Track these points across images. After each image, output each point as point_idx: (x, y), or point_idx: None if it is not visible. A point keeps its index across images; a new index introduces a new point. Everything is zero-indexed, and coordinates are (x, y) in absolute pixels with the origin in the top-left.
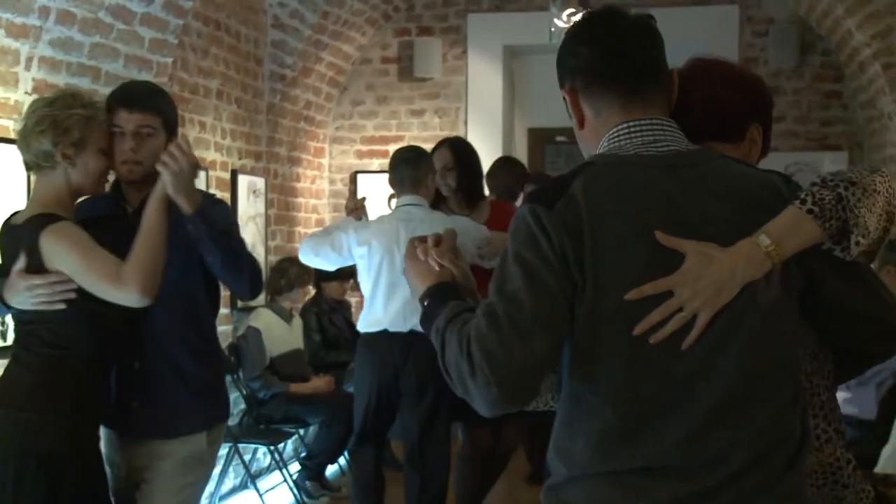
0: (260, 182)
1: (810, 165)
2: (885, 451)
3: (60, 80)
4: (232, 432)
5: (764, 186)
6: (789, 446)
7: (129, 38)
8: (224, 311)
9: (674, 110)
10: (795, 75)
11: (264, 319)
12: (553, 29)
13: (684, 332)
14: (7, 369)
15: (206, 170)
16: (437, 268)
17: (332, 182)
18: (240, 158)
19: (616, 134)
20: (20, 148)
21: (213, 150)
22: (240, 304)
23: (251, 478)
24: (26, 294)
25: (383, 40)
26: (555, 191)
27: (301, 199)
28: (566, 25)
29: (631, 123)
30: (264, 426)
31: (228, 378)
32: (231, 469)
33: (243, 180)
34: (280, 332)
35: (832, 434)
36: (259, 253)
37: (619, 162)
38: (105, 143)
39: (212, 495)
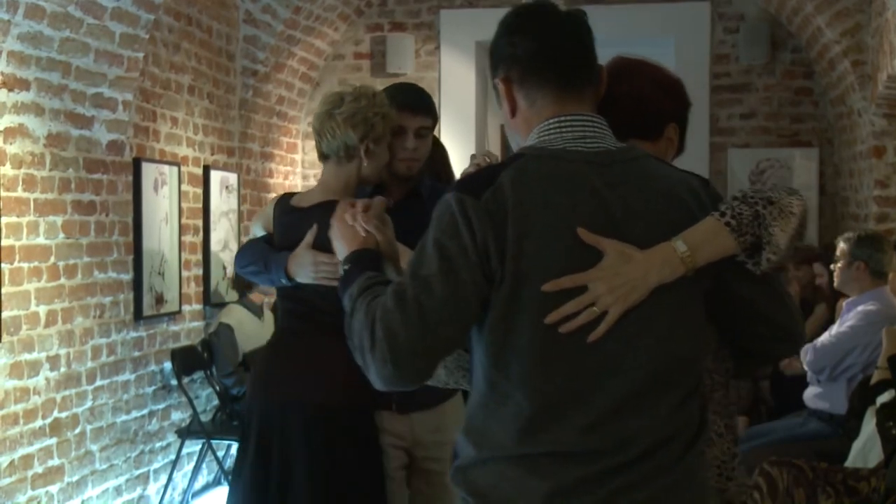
0: (232, 178)
1: (781, 161)
2: (856, 446)
3: (30, 74)
4: (205, 429)
5: (685, 188)
6: (688, 433)
7: (100, 32)
8: (196, 307)
9: (599, 105)
10: (766, 72)
11: (235, 315)
12: None
13: (595, 326)
14: (277, 337)
15: (179, 165)
16: (362, 233)
17: (305, 178)
18: (212, 154)
19: (547, 127)
20: (323, 136)
21: (185, 146)
22: (212, 300)
23: (224, 474)
24: (310, 269)
25: (356, 36)
26: (483, 180)
27: (274, 195)
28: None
29: (562, 118)
30: (237, 422)
31: (201, 374)
32: (204, 465)
33: (216, 176)
34: (252, 328)
35: (723, 430)
36: (232, 249)
37: (548, 155)
38: (389, 139)
39: (185, 492)
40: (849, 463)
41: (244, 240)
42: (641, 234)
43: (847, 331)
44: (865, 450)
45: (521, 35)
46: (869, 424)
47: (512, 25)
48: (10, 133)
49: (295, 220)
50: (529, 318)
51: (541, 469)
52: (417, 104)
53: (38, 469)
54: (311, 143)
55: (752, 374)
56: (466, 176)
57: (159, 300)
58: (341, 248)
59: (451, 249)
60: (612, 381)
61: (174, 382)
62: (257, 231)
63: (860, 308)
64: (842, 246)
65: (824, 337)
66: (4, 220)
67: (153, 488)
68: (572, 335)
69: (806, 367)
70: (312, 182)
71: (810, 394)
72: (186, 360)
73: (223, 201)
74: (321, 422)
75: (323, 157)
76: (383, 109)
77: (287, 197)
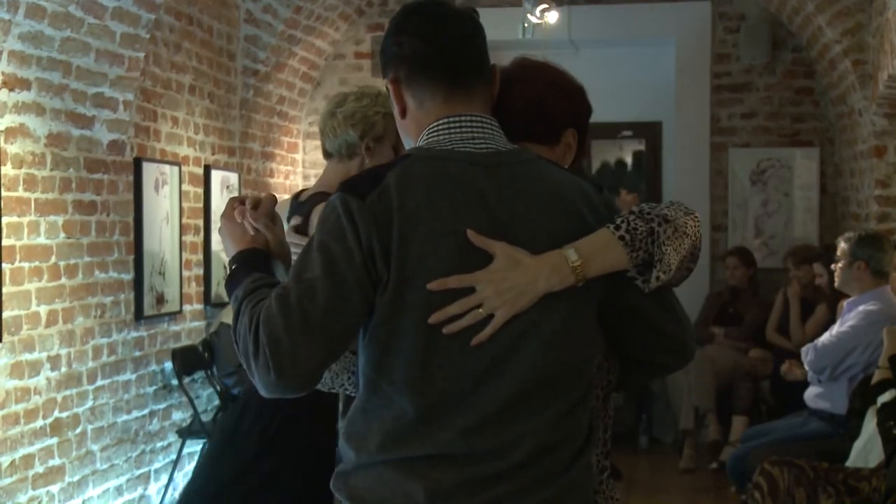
0: (233, 177)
1: (782, 161)
2: (857, 446)
3: (30, 74)
4: (206, 428)
5: (576, 192)
6: (575, 442)
7: (101, 32)
8: (197, 307)
9: (494, 107)
10: (767, 71)
11: None
12: (526, 24)
13: (479, 329)
14: None
15: (179, 165)
16: (251, 231)
17: (305, 177)
18: (213, 154)
19: (436, 128)
20: (326, 135)
21: (185, 146)
22: (213, 300)
23: None
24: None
25: (356, 35)
26: (369, 182)
27: (275, 195)
28: (539, 21)
29: (451, 118)
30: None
31: (202, 374)
32: None
33: (216, 176)
34: None
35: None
36: None
37: (435, 156)
38: (396, 139)
39: None
40: (850, 463)
41: None
42: (528, 238)
43: (848, 330)
44: (866, 449)
45: (407, 34)
46: (870, 424)
47: (399, 25)
48: (10, 133)
49: (293, 213)
50: (413, 321)
51: (419, 472)
52: None
53: (39, 469)
54: (312, 143)
55: (638, 386)
56: (352, 177)
57: (160, 300)
58: (229, 247)
59: (336, 252)
60: (496, 384)
61: (175, 382)
62: None
63: (861, 308)
64: (842, 246)
65: (825, 337)
66: (5, 219)
67: (154, 488)
68: (455, 337)
69: (807, 367)
70: (313, 181)
71: (811, 393)
72: (187, 360)
73: (224, 201)
74: (320, 420)
75: (327, 155)
76: (386, 109)
77: (297, 194)
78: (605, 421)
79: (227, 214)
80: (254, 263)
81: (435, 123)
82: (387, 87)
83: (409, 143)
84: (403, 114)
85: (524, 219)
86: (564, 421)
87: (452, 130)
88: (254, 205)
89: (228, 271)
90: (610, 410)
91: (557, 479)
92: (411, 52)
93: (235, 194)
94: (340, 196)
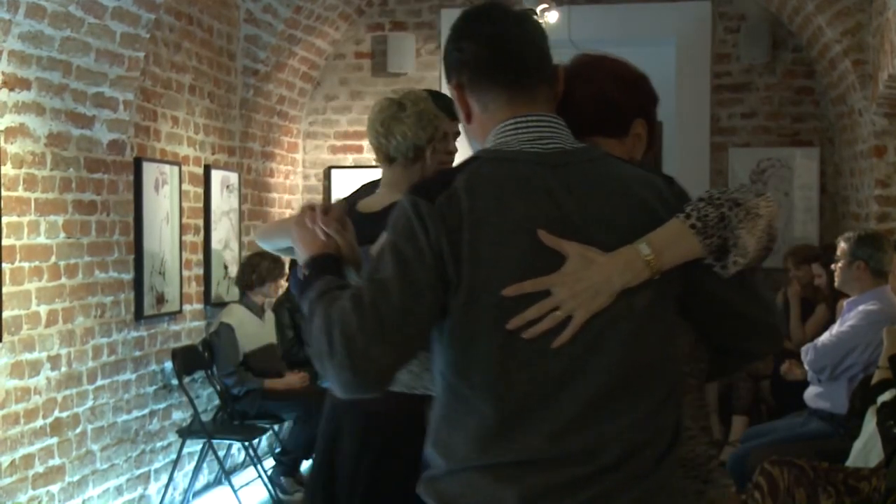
0: (233, 177)
1: (782, 161)
2: (856, 445)
3: (30, 74)
4: (206, 428)
5: (646, 187)
6: (661, 442)
7: (101, 32)
8: (197, 307)
9: (559, 105)
10: (767, 71)
11: (236, 315)
12: None
13: (558, 331)
14: None
15: (179, 165)
16: (322, 237)
17: (305, 177)
18: (213, 153)
19: (502, 130)
20: (391, 138)
21: (185, 146)
22: (213, 299)
23: (225, 474)
24: None
25: (356, 35)
26: (438, 184)
27: (275, 195)
28: (539, 20)
29: (518, 119)
30: (238, 422)
31: (202, 374)
32: (205, 465)
33: (216, 175)
34: (252, 328)
35: (697, 431)
36: (233, 248)
37: (503, 158)
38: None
39: (185, 492)
40: (850, 462)
41: (245, 239)
42: (600, 236)
43: (848, 330)
44: (866, 449)
45: (468, 39)
46: (870, 424)
47: (459, 30)
48: (10, 132)
49: (369, 225)
50: (488, 324)
51: (510, 477)
52: (453, 110)
53: (39, 469)
54: (312, 143)
55: (731, 373)
56: (420, 181)
57: (160, 300)
58: (302, 253)
59: (407, 252)
60: (578, 385)
61: (175, 382)
62: (276, 244)
63: (861, 307)
64: (842, 245)
65: (825, 336)
66: (5, 219)
67: (154, 488)
68: (534, 340)
69: (807, 367)
70: (313, 181)
71: (811, 393)
72: (187, 360)
73: (224, 201)
74: (376, 429)
75: (388, 160)
76: (439, 112)
77: (354, 205)
78: (703, 410)
79: (298, 221)
80: (326, 267)
81: (501, 126)
82: (451, 93)
83: (475, 147)
84: (469, 118)
85: (595, 216)
86: (652, 419)
87: (519, 131)
88: (325, 211)
89: (301, 277)
90: (706, 399)
91: (646, 479)
92: (473, 57)
93: (235, 194)
94: (410, 198)
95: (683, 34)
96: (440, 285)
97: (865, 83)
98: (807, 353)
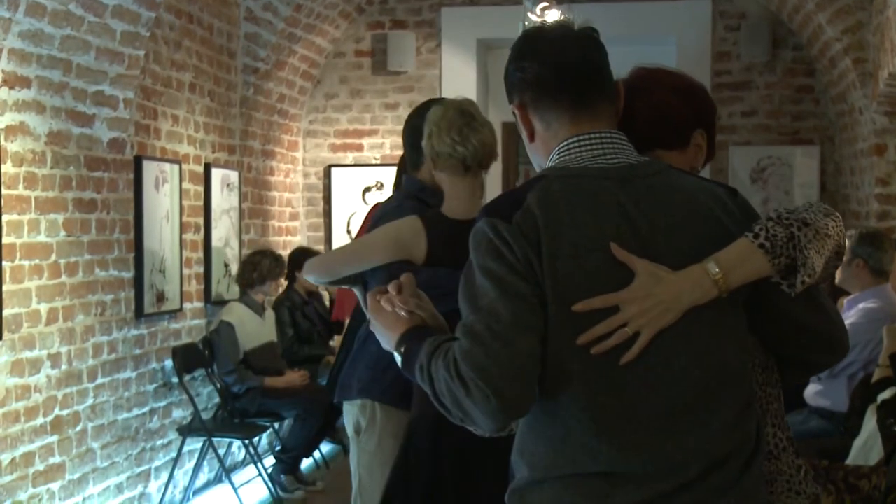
0: (234, 175)
1: (782, 159)
2: (857, 443)
3: (31, 72)
4: (206, 426)
5: (711, 198)
6: (745, 452)
7: (101, 30)
8: (197, 305)
9: (621, 120)
10: (767, 70)
11: (236, 313)
12: (527, 23)
13: (627, 347)
14: None
15: (180, 163)
16: (404, 315)
17: (306, 175)
18: (213, 152)
19: (566, 147)
20: (468, 145)
21: (186, 144)
22: (213, 297)
23: (226, 472)
24: None
25: (357, 33)
26: (511, 204)
27: (275, 193)
28: (540, 19)
29: (581, 137)
30: (239, 420)
31: (202, 372)
32: (206, 463)
33: (217, 174)
34: (253, 326)
35: (786, 443)
36: (233, 247)
37: (570, 175)
38: None
39: (186, 489)
40: (850, 460)
41: (245, 238)
42: (669, 249)
43: (847, 328)
44: (866, 447)
45: (530, 60)
46: (870, 422)
47: (521, 50)
48: (11, 131)
49: (465, 232)
50: (566, 337)
51: (595, 490)
52: None
53: (40, 466)
54: (313, 141)
55: (792, 384)
56: (491, 202)
57: (160, 298)
58: (389, 338)
59: (500, 271)
60: (654, 399)
61: (175, 380)
62: (341, 273)
63: (861, 305)
64: (849, 246)
65: None
66: (5, 217)
67: (154, 486)
68: (607, 355)
69: None
70: (314, 180)
71: (811, 391)
72: (187, 358)
73: (224, 199)
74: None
75: (464, 168)
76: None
77: (439, 214)
78: (784, 420)
79: (374, 308)
80: (421, 335)
81: (564, 143)
82: (513, 113)
83: (539, 165)
84: (532, 137)
85: (664, 229)
86: (732, 430)
87: (584, 148)
88: (397, 289)
89: (398, 358)
90: (783, 409)
91: (731, 490)
92: (534, 77)
93: (235, 192)
94: (487, 221)
95: (684, 32)
96: (540, 293)
97: (866, 81)
98: None
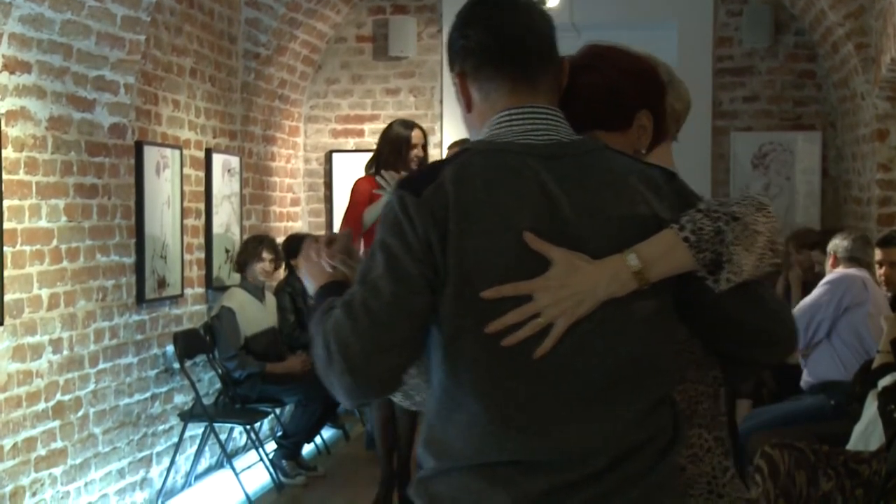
0: (234, 161)
1: (784, 145)
2: (857, 429)
3: (31, 57)
4: (207, 412)
5: (643, 180)
6: (659, 442)
7: (101, 14)
8: (198, 290)
9: (562, 98)
10: (769, 55)
11: (238, 299)
12: None
13: (540, 336)
14: None
15: (181, 148)
16: (328, 269)
17: (307, 161)
18: (214, 137)
19: (498, 121)
20: None
21: (187, 129)
22: (214, 283)
23: (227, 457)
24: None
25: (358, 19)
26: (425, 177)
27: (276, 179)
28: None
29: (513, 110)
30: (240, 405)
31: (203, 358)
32: (207, 448)
33: (218, 159)
34: (254, 312)
35: (712, 443)
36: (234, 232)
37: (494, 149)
38: None
39: (188, 474)
40: (850, 446)
41: (246, 223)
42: (591, 232)
43: (814, 292)
44: (867, 433)
45: (474, 27)
46: (871, 408)
47: (465, 17)
48: (11, 116)
49: None
50: (474, 320)
51: (504, 479)
52: None
53: (42, 452)
54: (314, 127)
55: (744, 381)
56: (409, 174)
57: (161, 283)
58: (310, 286)
59: (396, 247)
60: (567, 386)
61: (176, 366)
62: None
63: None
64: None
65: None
66: (7, 203)
67: (156, 471)
68: (519, 342)
69: None
70: (315, 165)
71: (804, 377)
72: (189, 344)
73: (225, 184)
74: None
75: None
76: None
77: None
78: (719, 419)
79: (304, 255)
80: (333, 293)
81: (497, 116)
82: (454, 82)
83: (473, 138)
84: (469, 107)
85: (587, 211)
86: (646, 421)
87: (514, 122)
88: (328, 242)
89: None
90: (722, 407)
91: (642, 481)
92: (477, 45)
93: (236, 178)
94: (397, 193)
95: (685, 17)
96: (433, 276)
97: (868, 67)
98: None
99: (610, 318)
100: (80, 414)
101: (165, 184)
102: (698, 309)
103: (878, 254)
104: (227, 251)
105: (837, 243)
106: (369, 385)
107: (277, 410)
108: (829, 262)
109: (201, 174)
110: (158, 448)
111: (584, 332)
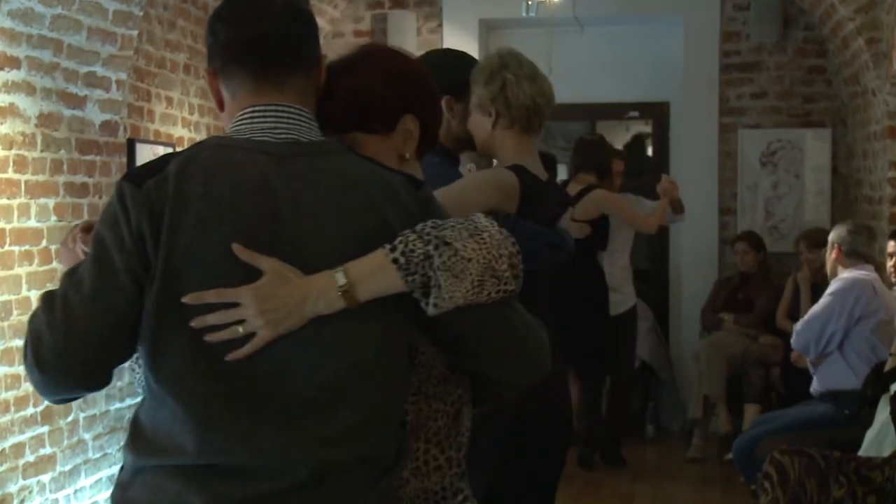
0: None
1: (793, 142)
2: (869, 434)
3: (20, 52)
4: None
5: (380, 186)
6: (378, 463)
7: (92, 9)
8: None
9: (321, 97)
10: (778, 50)
11: None
12: (529, 2)
13: (246, 340)
14: None
15: (174, 146)
16: (81, 256)
17: None
18: (208, 134)
19: (240, 117)
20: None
21: (180, 126)
22: None
23: None
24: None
25: (356, 13)
26: (151, 169)
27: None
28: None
29: (255, 108)
30: None
31: None
32: None
33: None
34: None
35: (442, 462)
36: None
37: (226, 144)
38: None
39: None
40: (862, 452)
41: None
42: (311, 234)
43: (821, 302)
44: (879, 438)
45: (222, 22)
46: (883, 412)
47: (217, 12)
48: (0, 113)
49: (546, 192)
50: (179, 316)
51: (199, 482)
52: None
53: (30, 458)
54: None
55: (500, 402)
56: (138, 165)
57: None
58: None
59: (108, 239)
60: (271, 395)
61: None
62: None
63: (844, 275)
64: (829, 238)
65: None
66: None
67: None
68: (222, 343)
69: (793, 347)
70: None
71: (814, 385)
72: None
73: None
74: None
75: (540, 125)
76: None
77: (523, 168)
78: (456, 439)
79: (63, 239)
80: None
81: (240, 113)
82: (206, 80)
83: None
84: (221, 106)
85: (310, 213)
86: (358, 439)
87: (256, 120)
88: (85, 229)
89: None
90: (463, 427)
91: (354, 500)
92: (224, 42)
93: None
94: (118, 184)
95: (691, 12)
96: (141, 271)
97: (879, 62)
98: (792, 336)
99: (323, 330)
100: (69, 419)
101: None
102: (435, 327)
103: (890, 245)
104: None
105: (841, 235)
106: (59, 381)
107: None
108: (833, 254)
109: None
110: None
111: (292, 341)
